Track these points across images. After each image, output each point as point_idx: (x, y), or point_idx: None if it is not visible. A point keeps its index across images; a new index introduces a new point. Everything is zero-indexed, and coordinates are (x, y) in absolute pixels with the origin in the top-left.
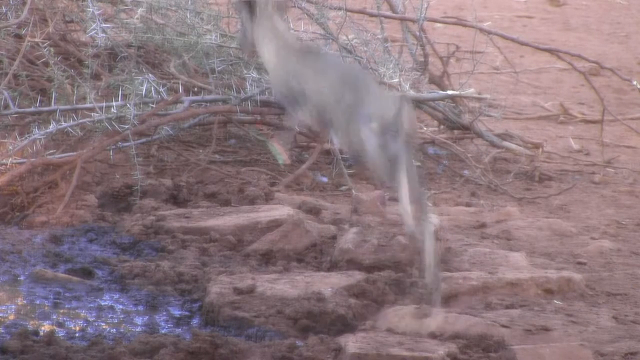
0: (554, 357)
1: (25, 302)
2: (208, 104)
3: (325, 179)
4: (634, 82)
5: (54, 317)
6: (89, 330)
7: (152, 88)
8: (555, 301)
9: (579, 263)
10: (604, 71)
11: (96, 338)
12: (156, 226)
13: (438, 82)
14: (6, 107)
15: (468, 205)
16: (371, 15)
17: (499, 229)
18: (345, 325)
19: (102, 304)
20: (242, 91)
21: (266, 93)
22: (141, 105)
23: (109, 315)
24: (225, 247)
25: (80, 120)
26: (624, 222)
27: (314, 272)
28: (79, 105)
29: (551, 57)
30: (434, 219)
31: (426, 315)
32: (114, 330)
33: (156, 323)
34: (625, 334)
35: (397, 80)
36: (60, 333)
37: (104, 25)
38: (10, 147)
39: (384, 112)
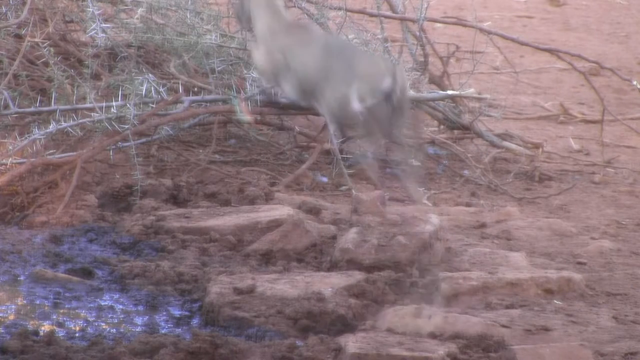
0: (554, 357)
1: (25, 302)
2: (208, 104)
3: (325, 179)
4: (634, 82)
5: (54, 317)
6: (89, 330)
7: (152, 88)
8: (555, 301)
9: (579, 263)
10: (604, 71)
11: (96, 338)
12: (156, 226)
13: (438, 82)
14: (6, 107)
15: (468, 205)
16: (371, 15)
17: (499, 229)
18: (345, 325)
19: (102, 304)
20: (242, 91)
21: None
22: (141, 105)
23: (109, 315)
24: (225, 247)
25: (80, 120)
26: (624, 222)
27: (314, 272)
28: (79, 105)
29: (551, 57)
30: (434, 219)
31: (426, 315)
32: (114, 330)
33: (156, 323)
34: (625, 334)
35: None
36: (60, 333)
37: (104, 25)
38: (10, 147)
39: (373, 78)
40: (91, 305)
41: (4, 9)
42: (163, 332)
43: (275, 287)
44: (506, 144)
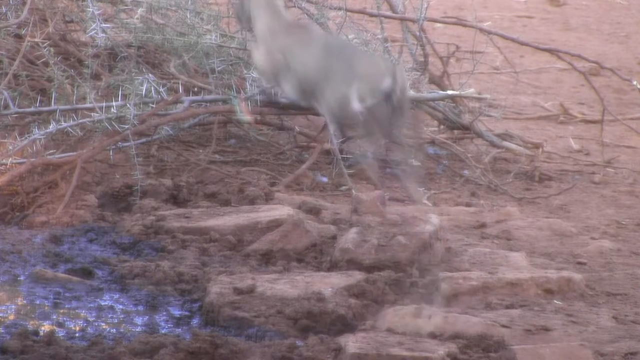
0: (554, 357)
1: (25, 302)
2: (208, 104)
3: (325, 179)
4: (634, 82)
5: (54, 317)
6: (89, 330)
7: (152, 88)
8: (555, 301)
9: (579, 263)
10: (604, 71)
11: (96, 338)
12: (156, 226)
13: (438, 82)
14: (6, 107)
15: (468, 205)
16: (371, 15)
17: (499, 229)
18: (345, 325)
19: (102, 304)
20: (242, 91)
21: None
22: (141, 105)
23: (109, 315)
24: (225, 247)
25: (80, 120)
26: (624, 222)
27: (314, 272)
28: (79, 105)
29: (551, 57)
30: (434, 219)
31: (426, 315)
32: (114, 330)
33: (156, 323)
34: (625, 334)
35: None
36: (60, 333)
37: (104, 25)
38: (10, 147)
39: (373, 78)
40: (91, 305)
41: (4, 9)
42: (163, 332)
43: (275, 287)
44: (506, 144)
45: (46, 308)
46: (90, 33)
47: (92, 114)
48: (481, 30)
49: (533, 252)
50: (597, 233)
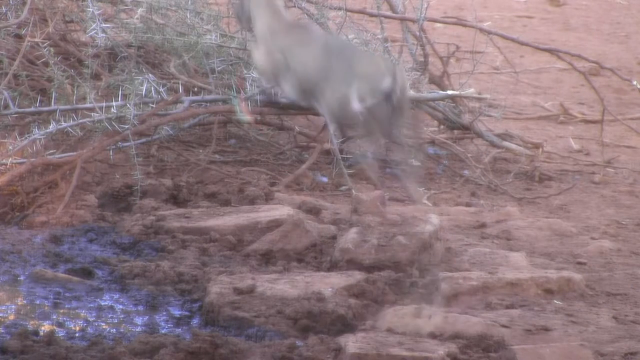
0: (554, 357)
1: (25, 302)
2: (208, 104)
3: (325, 179)
4: (634, 82)
5: (54, 317)
6: (89, 330)
7: (152, 88)
8: (555, 301)
9: (579, 263)
10: (604, 71)
11: (96, 338)
12: (156, 226)
13: (438, 82)
14: (6, 107)
15: (468, 205)
16: (371, 15)
17: (499, 229)
18: (345, 325)
19: (102, 304)
20: (242, 91)
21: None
22: (141, 105)
23: (109, 315)
24: (225, 247)
25: (80, 120)
26: (624, 222)
27: (314, 272)
28: (79, 105)
29: (551, 57)
30: (434, 219)
31: (426, 315)
32: (114, 330)
33: (156, 323)
34: (625, 334)
35: None
36: (60, 333)
37: (104, 25)
38: (10, 147)
39: (373, 78)
40: (91, 305)
41: (4, 9)
42: (163, 332)
43: (275, 287)
44: (506, 144)
45: (46, 308)
46: (90, 33)
47: (92, 114)
48: (481, 30)
49: (533, 252)
50: (597, 233)
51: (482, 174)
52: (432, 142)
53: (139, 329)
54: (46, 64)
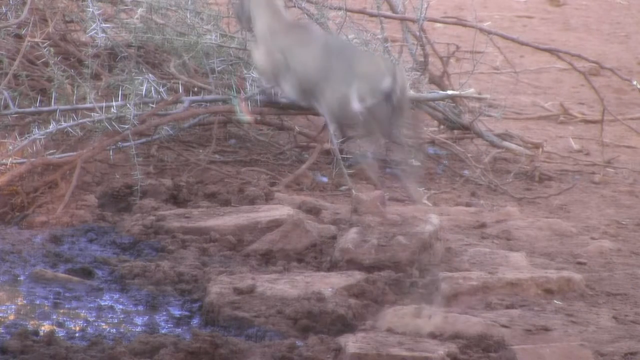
0: (554, 357)
1: (25, 302)
2: (208, 104)
3: (325, 179)
4: (634, 82)
5: (54, 317)
6: (89, 330)
7: (152, 88)
8: (555, 301)
9: (579, 263)
10: (604, 71)
11: (96, 338)
12: (156, 226)
13: (438, 82)
14: (6, 107)
15: (468, 205)
16: (371, 15)
17: (499, 229)
18: (345, 325)
19: (102, 304)
20: (242, 91)
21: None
22: (141, 105)
23: (109, 315)
24: (225, 247)
25: (80, 120)
26: (624, 222)
27: (314, 272)
28: (79, 105)
29: (551, 57)
30: (434, 219)
31: (426, 315)
32: (114, 330)
33: (156, 323)
34: (625, 334)
35: None
36: (60, 333)
37: (104, 25)
38: (10, 147)
39: (373, 78)
40: (91, 305)
41: (4, 9)
42: (163, 332)
43: (275, 287)
44: (506, 144)
45: (46, 308)
46: (90, 33)
47: (92, 114)
48: (481, 30)
49: (533, 252)
50: (597, 233)
51: (482, 174)
52: (432, 142)
53: (139, 329)
54: (46, 64)
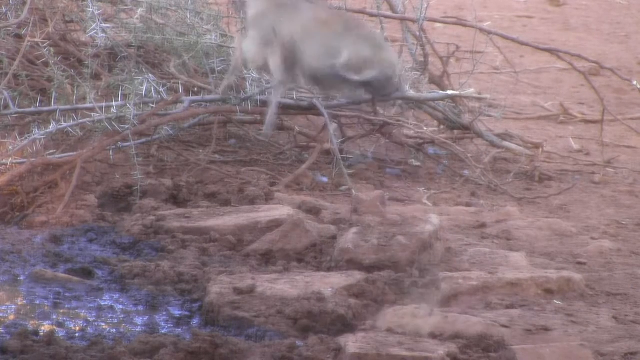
0: (554, 357)
1: (25, 302)
2: (208, 104)
3: (325, 179)
4: (634, 82)
5: (54, 317)
6: (89, 330)
7: (152, 88)
8: (555, 301)
9: (579, 263)
10: (604, 71)
11: (96, 338)
12: (156, 226)
13: (438, 82)
14: (6, 107)
15: (468, 205)
16: (371, 15)
17: (499, 229)
18: (345, 325)
19: (102, 304)
20: (242, 91)
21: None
22: (141, 105)
23: (109, 315)
24: (225, 247)
25: (80, 120)
26: (624, 222)
27: (314, 272)
28: (79, 105)
29: (551, 57)
30: (434, 219)
31: (426, 315)
32: (114, 330)
33: (156, 323)
34: (625, 334)
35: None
36: (60, 333)
37: (104, 25)
38: (10, 147)
39: (360, 49)
40: (91, 305)
41: (4, 9)
42: (163, 332)
43: (275, 287)
44: (506, 144)
45: (46, 308)
46: (90, 33)
47: (92, 114)
48: (481, 30)
49: (533, 252)
50: (597, 233)
51: (482, 174)
52: (432, 142)
53: (139, 329)
54: (46, 64)
